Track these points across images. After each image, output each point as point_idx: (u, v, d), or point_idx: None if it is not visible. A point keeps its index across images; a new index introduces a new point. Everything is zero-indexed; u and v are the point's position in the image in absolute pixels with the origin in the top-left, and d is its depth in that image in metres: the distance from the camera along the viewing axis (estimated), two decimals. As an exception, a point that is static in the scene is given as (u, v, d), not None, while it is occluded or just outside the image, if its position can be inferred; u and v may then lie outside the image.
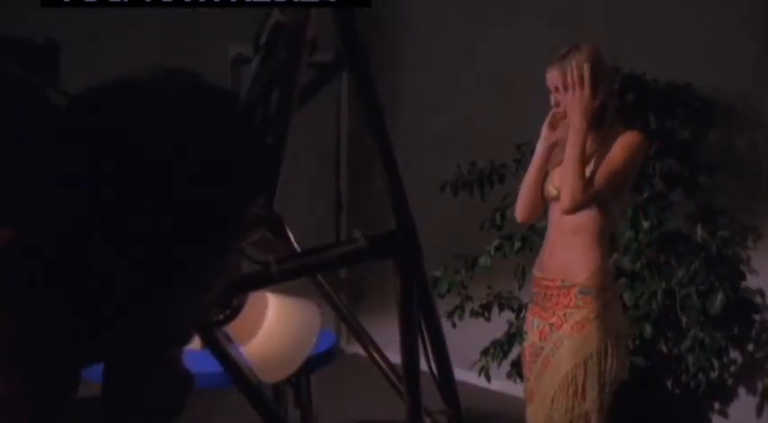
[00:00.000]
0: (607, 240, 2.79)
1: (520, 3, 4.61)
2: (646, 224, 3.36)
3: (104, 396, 0.88)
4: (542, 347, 2.81)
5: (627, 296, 3.43)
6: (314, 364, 3.12)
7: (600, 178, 2.67)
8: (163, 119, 0.77)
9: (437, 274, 3.88)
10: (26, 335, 0.75)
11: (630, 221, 3.40)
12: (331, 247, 1.36)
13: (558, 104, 2.71)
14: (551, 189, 2.80)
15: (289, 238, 1.59)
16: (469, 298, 3.91)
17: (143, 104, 0.77)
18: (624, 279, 3.47)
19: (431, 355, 1.44)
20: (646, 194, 3.45)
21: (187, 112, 0.78)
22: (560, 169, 2.73)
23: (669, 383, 3.58)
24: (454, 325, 3.88)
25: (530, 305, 2.94)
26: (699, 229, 3.41)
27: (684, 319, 3.45)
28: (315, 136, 4.78)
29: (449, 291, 3.87)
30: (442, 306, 3.92)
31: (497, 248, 3.74)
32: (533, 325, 2.86)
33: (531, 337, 2.86)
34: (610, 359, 2.73)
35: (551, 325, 2.78)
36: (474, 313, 3.92)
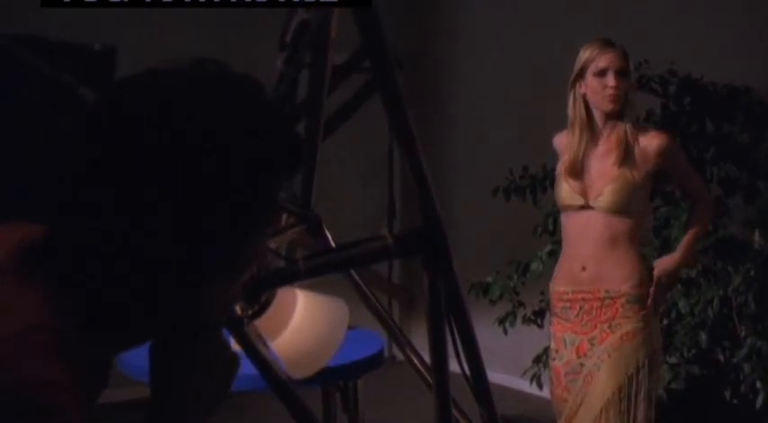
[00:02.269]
0: (640, 246, 2.77)
1: (575, 9, 4.56)
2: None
3: (152, 381, 0.90)
4: (582, 364, 2.69)
5: (682, 304, 3.36)
6: (361, 368, 3.11)
7: (690, 180, 2.77)
8: (191, 106, 0.78)
9: (489, 279, 3.85)
10: (66, 323, 0.77)
11: (684, 226, 3.32)
12: (358, 244, 1.36)
13: (618, 87, 2.63)
14: (575, 196, 2.70)
15: (326, 238, 1.60)
16: (521, 304, 3.87)
17: (172, 92, 0.79)
18: (679, 286, 3.39)
19: (462, 356, 1.43)
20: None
21: (215, 98, 0.80)
22: (593, 179, 2.70)
23: (727, 394, 3.48)
24: (506, 331, 3.85)
25: (554, 321, 2.81)
26: (756, 235, 3.31)
27: (741, 328, 3.35)
28: (369, 139, 4.80)
29: (501, 297, 3.84)
30: (494, 312, 3.89)
31: (550, 254, 3.69)
32: (566, 342, 2.73)
33: (567, 355, 2.72)
34: (656, 369, 2.68)
35: (592, 339, 2.68)
36: (526, 320, 3.88)
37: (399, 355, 5.44)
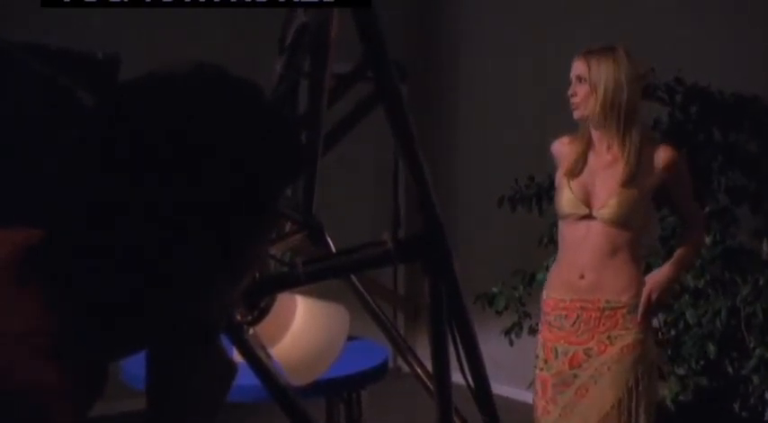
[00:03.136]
0: (639, 257, 2.74)
1: (581, 16, 4.56)
2: (708, 238, 3.25)
3: (148, 387, 0.88)
4: (575, 375, 2.64)
5: (690, 314, 3.32)
6: (365, 379, 3.09)
7: (688, 202, 2.74)
8: (192, 110, 0.78)
9: (494, 290, 3.82)
10: (64, 326, 0.77)
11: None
12: (358, 249, 1.35)
13: (575, 94, 2.66)
14: (578, 205, 2.67)
15: (328, 245, 1.59)
16: (527, 315, 3.83)
17: (172, 95, 0.79)
18: (687, 296, 3.36)
19: (464, 361, 1.41)
20: (708, 209, 3.35)
21: (216, 102, 0.80)
22: (590, 185, 2.68)
23: (736, 406, 3.44)
24: (512, 343, 3.82)
25: (544, 329, 2.76)
26: (764, 245, 3.29)
27: (750, 338, 3.32)
28: (374, 148, 4.80)
29: (506, 308, 3.80)
30: (500, 323, 3.86)
31: (556, 264, 3.67)
32: (557, 352, 2.68)
33: (557, 365, 2.68)
34: (655, 380, 2.66)
35: (588, 350, 2.64)
36: (532, 331, 3.84)
37: (404, 367, 5.42)
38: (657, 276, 2.69)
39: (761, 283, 3.26)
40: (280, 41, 1.36)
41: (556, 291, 2.76)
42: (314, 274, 1.33)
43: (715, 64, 3.83)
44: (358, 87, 1.46)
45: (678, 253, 2.75)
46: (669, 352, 3.44)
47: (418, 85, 5.21)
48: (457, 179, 5.16)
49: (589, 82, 2.62)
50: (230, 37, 4.53)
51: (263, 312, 1.39)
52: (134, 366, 2.39)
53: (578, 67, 2.66)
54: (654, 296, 2.64)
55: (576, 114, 2.68)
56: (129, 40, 3.84)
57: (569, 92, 2.68)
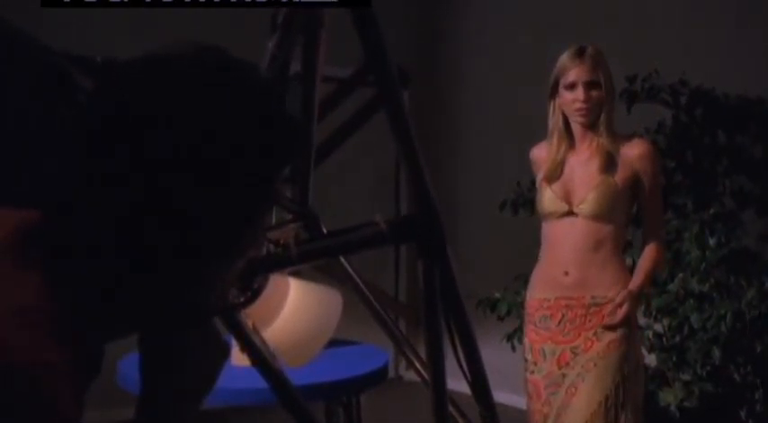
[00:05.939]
0: (622, 252, 2.73)
1: (585, 19, 4.55)
2: (712, 241, 3.23)
3: (142, 368, 0.90)
4: (564, 375, 2.61)
5: (694, 318, 3.28)
6: (364, 382, 3.06)
7: (654, 202, 2.67)
8: (191, 91, 0.79)
9: (497, 295, 3.79)
10: (63, 305, 0.77)
11: (696, 239, 3.27)
12: (352, 230, 1.34)
13: (587, 100, 2.60)
14: (558, 203, 2.67)
15: (323, 235, 1.57)
16: (530, 320, 3.80)
17: (171, 77, 0.79)
18: (691, 301, 3.32)
19: (460, 350, 1.39)
20: (712, 211, 3.32)
21: (215, 84, 0.80)
22: (570, 184, 2.67)
23: (742, 413, 3.39)
24: (514, 348, 3.78)
25: (530, 330, 2.73)
26: (770, 248, 3.26)
27: (756, 343, 3.28)
28: (375, 152, 4.79)
29: (509, 313, 3.77)
30: (502, 328, 3.82)
31: (558, 269, 3.63)
32: (545, 353, 2.66)
33: (547, 367, 2.65)
34: (641, 376, 2.63)
35: (575, 348, 2.61)
36: (535, 336, 3.81)
37: (405, 375, 5.38)
38: (631, 286, 2.64)
39: (766, 286, 3.23)
40: (272, 19, 1.35)
41: (539, 290, 2.74)
42: (307, 255, 1.32)
43: (720, 66, 3.81)
44: (362, 91, 1.46)
45: (643, 267, 2.68)
46: (674, 357, 3.40)
47: (420, 87, 5.21)
48: (458, 182, 5.14)
49: (604, 86, 2.61)
50: (231, 37, 4.53)
51: (256, 294, 1.37)
52: (130, 370, 2.37)
53: (587, 74, 2.61)
54: (626, 307, 2.60)
55: (587, 120, 2.64)
56: (129, 41, 3.84)
57: (579, 97, 2.60)
